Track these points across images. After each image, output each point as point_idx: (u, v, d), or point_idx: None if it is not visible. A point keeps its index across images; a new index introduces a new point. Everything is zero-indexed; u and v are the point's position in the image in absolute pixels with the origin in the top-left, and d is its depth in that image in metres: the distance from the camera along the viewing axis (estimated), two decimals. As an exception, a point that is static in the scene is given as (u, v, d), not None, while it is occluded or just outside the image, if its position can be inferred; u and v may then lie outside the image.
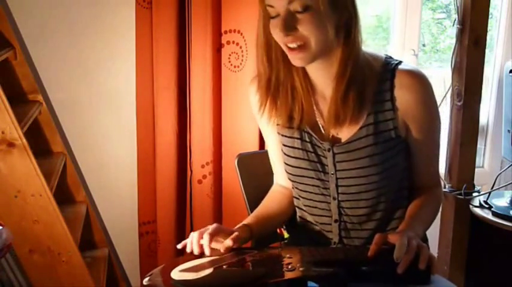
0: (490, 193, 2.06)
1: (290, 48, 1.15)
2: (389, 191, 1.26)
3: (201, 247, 1.17)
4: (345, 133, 1.24)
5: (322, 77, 1.24)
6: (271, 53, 1.22)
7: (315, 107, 1.28)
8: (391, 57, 1.26)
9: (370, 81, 1.21)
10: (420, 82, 1.21)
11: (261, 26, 1.21)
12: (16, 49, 1.90)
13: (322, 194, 1.29)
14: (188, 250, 1.19)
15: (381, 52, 1.29)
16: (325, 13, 1.11)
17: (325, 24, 1.12)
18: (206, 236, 1.17)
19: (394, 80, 1.21)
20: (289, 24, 1.12)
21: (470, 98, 1.96)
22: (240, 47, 1.96)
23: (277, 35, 1.15)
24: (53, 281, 1.74)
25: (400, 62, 1.24)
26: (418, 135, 1.25)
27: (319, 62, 1.19)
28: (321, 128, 1.27)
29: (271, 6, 1.14)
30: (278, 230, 1.53)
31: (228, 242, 1.17)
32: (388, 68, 1.22)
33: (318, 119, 1.28)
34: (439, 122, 1.30)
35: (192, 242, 1.18)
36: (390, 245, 1.07)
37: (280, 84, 1.25)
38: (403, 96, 1.20)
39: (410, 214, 1.25)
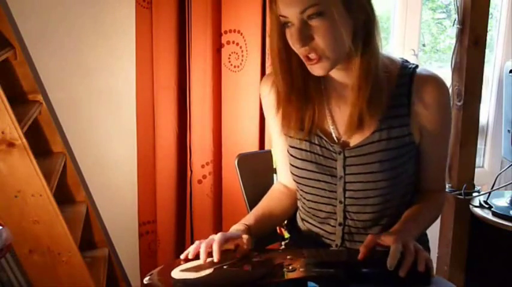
0: (490, 193, 2.06)
1: (308, 58, 1.13)
2: (396, 196, 1.25)
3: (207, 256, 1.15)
4: (356, 137, 1.22)
5: (340, 81, 1.22)
6: (288, 62, 1.19)
7: (326, 110, 1.26)
8: (407, 61, 1.24)
9: (387, 85, 1.18)
10: (439, 88, 1.20)
11: (275, 36, 1.16)
12: (16, 49, 1.90)
13: (328, 197, 1.27)
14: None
15: (397, 55, 1.27)
16: (339, 19, 1.08)
17: (340, 30, 1.09)
18: (216, 246, 1.13)
19: (412, 85, 1.19)
20: (305, 35, 1.09)
21: (470, 98, 1.96)
22: (240, 47, 1.96)
23: (294, 45, 1.12)
24: (53, 281, 1.74)
25: (417, 66, 1.22)
26: (432, 140, 1.24)
27: (338, 67, 1.17)
28: (332, 131, 1.26)
29: (283, 16, 1.11)
30: (278, 230, 1.52)
31: (245, 247, 1.15)
32: (405, 72, 1.20)
33: (329, 122, 1.26)
34: (451, 127, 1.29)
35: (196, 249, 1.15)
36: (385, 246, 1.07)
37: (294, 90, 1.23)
38: (421, 102, 1.19)
39: (408, 215, 1.24)
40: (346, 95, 1.22)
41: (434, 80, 1.20)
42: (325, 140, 1.25)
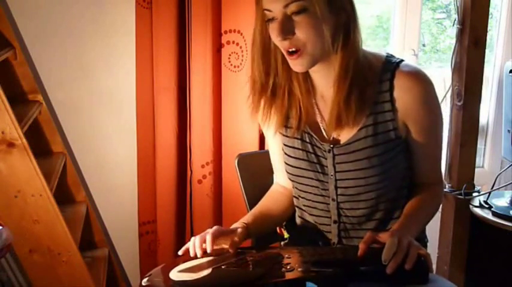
0: (490, 193, 2.06)
1: (289, 53, 1.15)
2: (388, 191, 1.26)
3: (202, 249, 1.17)
4: (345, 134, 1.23)
5: (322, 79, 1.23)
6: (269, 57, 1.22)
7: (315, 108, 1.28)
8: (392, 56, 1.24)
9: (371, 81, 1.20)
10: (420, 83, 1.20)
11: (258, 29, 1.19)
12: (16, 49, 1.90)
13: (322, 195, 1.28)
14: (192, 254, 1.18)
15: (382, 51, 1.27)
16: (321, 15, 1.10)
17: (321, 26, 1.11)
18: (209, 237, 1.16)
19: (393, 81, 1.19)
20: (287, 28, 1.11)
21: (470, 98, 1.95)
22: (240, 47, 1.96)
23: (276, 39, 1.15)
24: (53, 281, 1.74)
25: (401, 61, 1.22)
26: (419, 135, 1.24)
27: (319, 65, 1.18)
28: (322, 129, 1.27)
29: (268, 10, 1.13)
30: (278, 230, 1.53)
31: (236, 239, 1.18)
32: (388, 67, 1.21)
33: (318, 120, 1.27)
34: (441, 121, 1.28)
35: (194, 245, 1.18)
36: (383, 244, 1.07)
37: (278, 87, 1.25)
38: (402, 98, 1.19)
39: (406, 213, 1.24)
40: (330, 92, 1.23)
41: (415, 76, 1.20)
42: (315, 138, 1.26)
